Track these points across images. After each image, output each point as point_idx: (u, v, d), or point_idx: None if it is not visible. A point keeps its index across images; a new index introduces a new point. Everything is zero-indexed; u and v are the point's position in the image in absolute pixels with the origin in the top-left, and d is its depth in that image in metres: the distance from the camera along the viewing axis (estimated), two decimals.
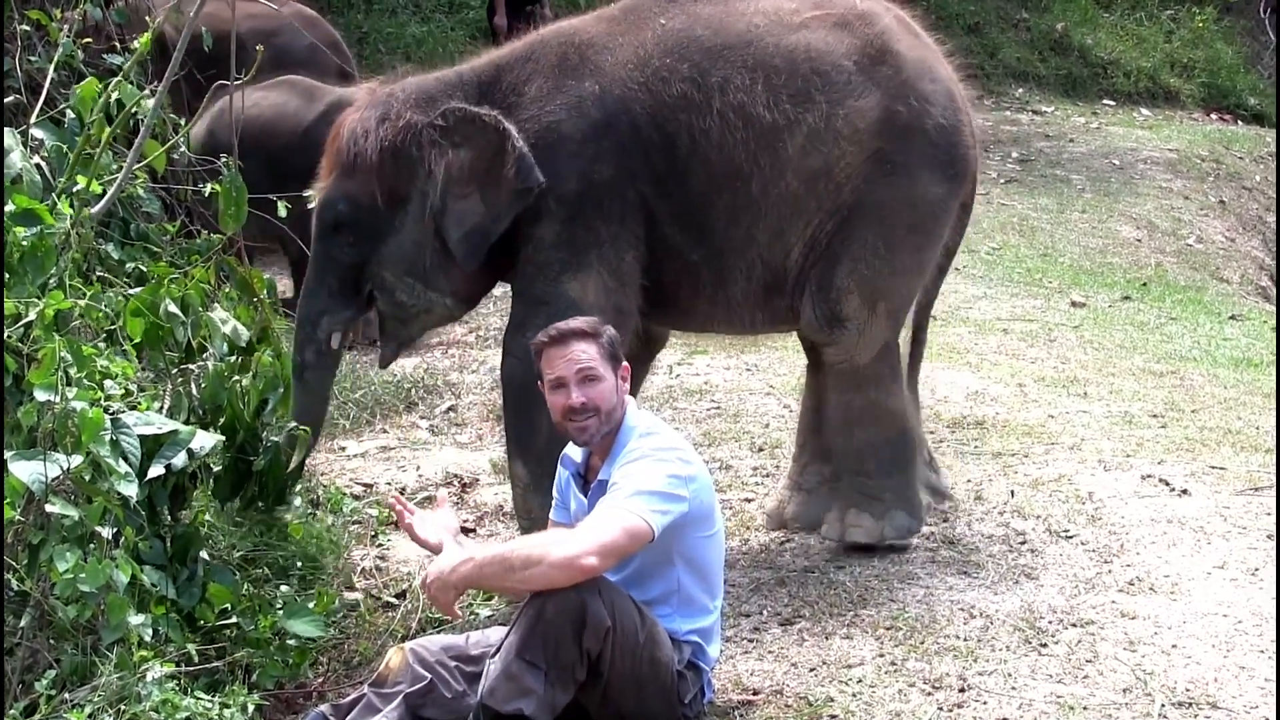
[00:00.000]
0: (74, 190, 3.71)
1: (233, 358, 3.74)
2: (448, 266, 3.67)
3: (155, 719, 2.93)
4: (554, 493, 3.23)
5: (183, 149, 4.35)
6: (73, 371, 3.20)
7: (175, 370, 3.69)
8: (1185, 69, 13.99)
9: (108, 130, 3.84)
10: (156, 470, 3.29)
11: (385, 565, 4.14)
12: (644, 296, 3.71)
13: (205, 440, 3.39)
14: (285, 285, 6.56)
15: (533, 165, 3.56)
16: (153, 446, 3.29)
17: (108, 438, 3.12)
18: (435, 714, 2.92)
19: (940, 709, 2.95)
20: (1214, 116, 13.49)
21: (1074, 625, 3.30)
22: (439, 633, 3.49)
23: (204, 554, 3.48)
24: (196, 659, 3.23)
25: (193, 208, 4.86)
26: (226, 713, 3.03)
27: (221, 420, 3.64)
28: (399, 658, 2.97)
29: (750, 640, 3.37)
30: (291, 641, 3.47)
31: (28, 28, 4.42)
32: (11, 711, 3.00)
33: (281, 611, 3.49)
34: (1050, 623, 3.32)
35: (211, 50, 4.57)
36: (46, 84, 4.14)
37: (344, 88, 6.37)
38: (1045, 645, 3.21)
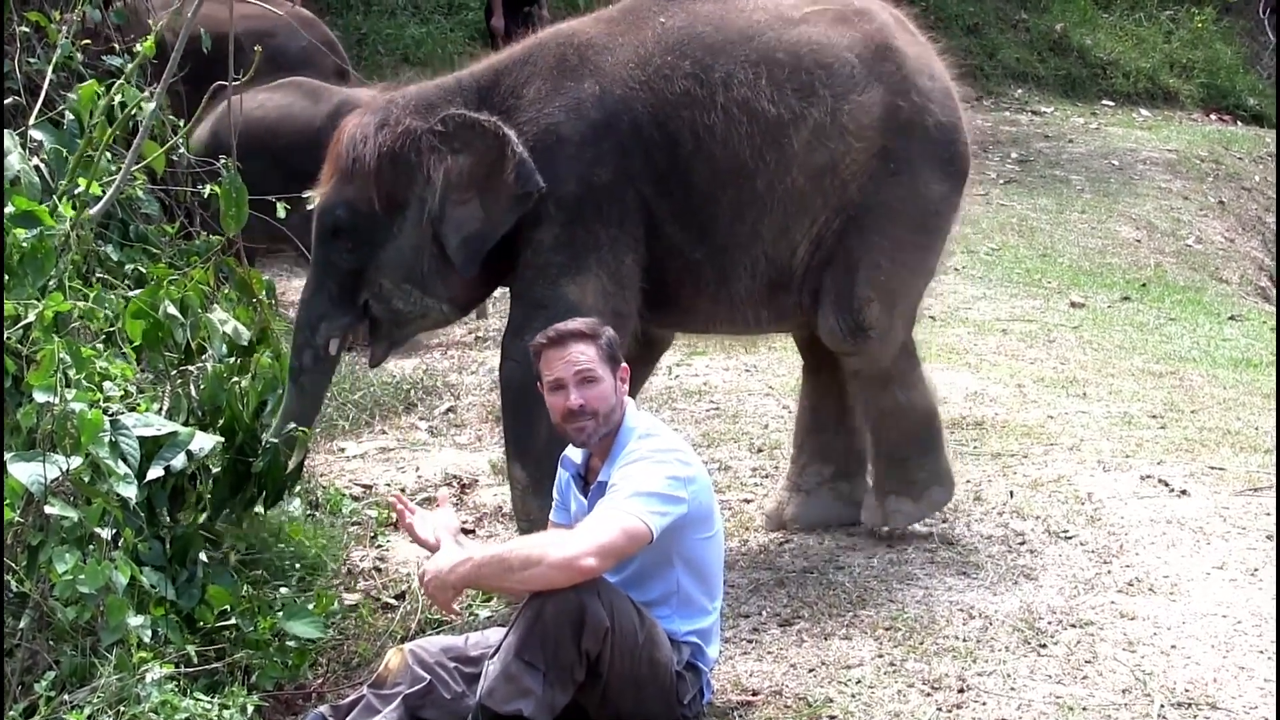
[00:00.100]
0: (75, 193, 3.71)
1: (232, 359, 3.74)
2: (446, 272, 3.66)
3: None
4: (554, 494, 3.23)
5: (181, 150, 4.35)
6: (72, 373, 3.20)
7: (174, 372, 3.69)
8: (1184, 69, 14.00)
9: (109, 132, 3.84)
10: (156, 472, 3.29)
11: (385, 566, 4.14)
12: (644, 298, 3.71)
13: (204, 442, 3.39)
14: (285, 286, 6.57)
15: (533, 170, 3.56)
16: (152, 448, 3.29)
17: (107, 439, 3.12)
18: (434, 715, 2.92)
19: (939, 710, 2.95)
20: (1213, 117, 13.49)
21: (1073, 626, 3.31)
22: (438, 634, 3.49)
23: (203, 555, 3.48)
24: (196, 660, 3.23)
25: (193, 209, 4.86)
26: (226, 714, 3.03)
27: (221, 422, 3.64)
28: (398, 659, 2.97)
29: (749, 641, 3.37)
30: (291, 643, 3.47)
31: (27, 29, 4.42)
32: (11, 713, 3.00)
33: (281, 613, 3.49)
34: (1049, 623, 3.33)
35: (209, 51, 4.56)
36: (45, 85, 4.14)
37: (349, 88, 6.38)
38: (1044, 646, 3.21)
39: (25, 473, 3.01)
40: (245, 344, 3.76)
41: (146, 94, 4.02)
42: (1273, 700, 2.91)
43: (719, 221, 3.66)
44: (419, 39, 11.33)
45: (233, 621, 3.41)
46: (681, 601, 3.00)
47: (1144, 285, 8.42)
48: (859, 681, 3.09)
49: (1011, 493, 4.21)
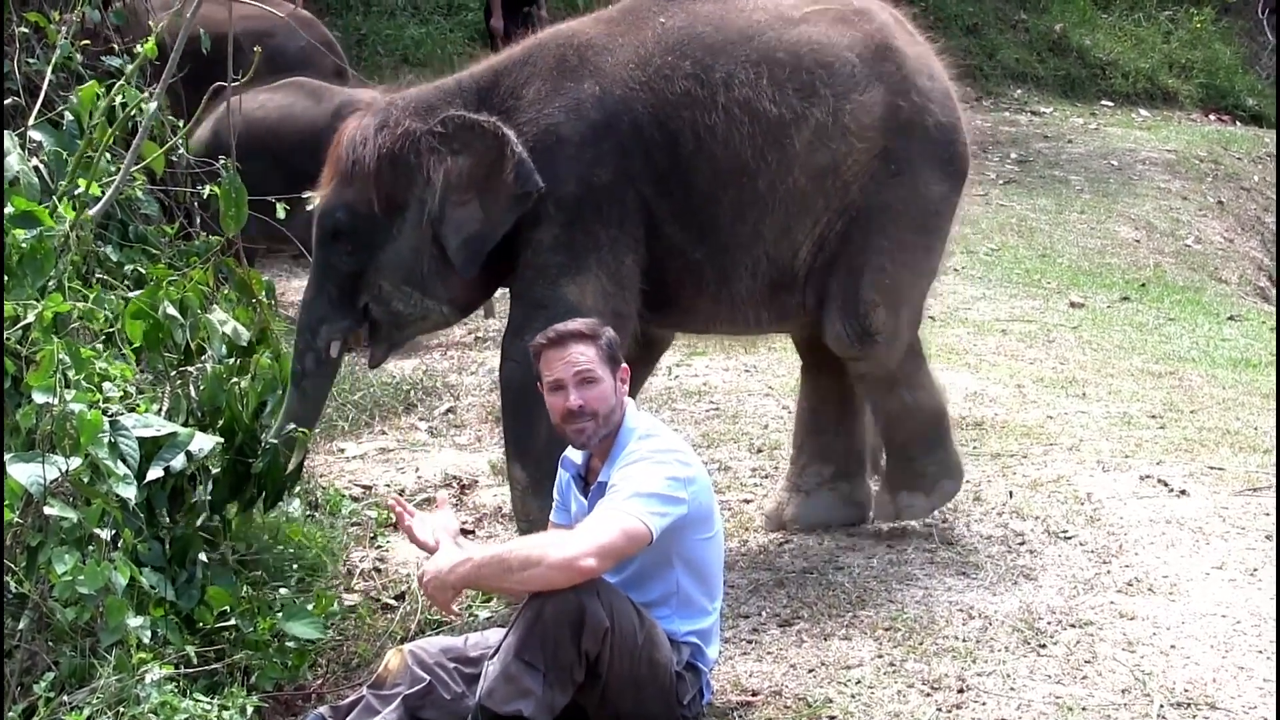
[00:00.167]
0: (74, 193, 3.71)
1: (231, 360, 3.74)
2: (445, 274, 3.66)
3: None
4: (554, 495, 3.23)
5: (181, 151, 4.34)
6: (71, 374, 3.20)
7: (174, 372, 3.68)
8: (1183, 70, 13.99)
9: (108, 133, 3.84)
10: (155, 472, 3.29)
11: (384, 567, 4.14)
12: (644, 299, 3.71)
13: (204, 442, 3.39)
14: (285, 287, 6.57)
15: (532, 170, 3.55)
16: (151, 448, 3.29)
17: (106, 440, 3.12)
18: (434, 715, 2.92)
19: (939, 710, 2.95)
20: (1212, 117, 13.49)
21: (1073, 626, 3.31)
22: (438, 634, 3.49)
23: (203, 556, 3.48)
24: (195, 661, 3.23)
25: (193, 210, 4.86)
26: (225, 714, 3.03)
27: (220, 422, 3.64)
28: (398, 659, 2.97)
29: (749, 641, 3.37)
30: (290, 643, 3.47)
31: (26, 30, 4.42)
32: (10, 714, 3.00)
33: (280, 613, 3.49)
34: (1049, 623, 3.33)
35: (209, 52, 4.56)
36: (45, 86, 4.14)
37: (350, 88, 6.37)
38: (1044, 646, 3.21)
39: (25, 473, 3.01)
40: (245, 345, 3.76)
41: (146, 95, 4.02)
42: (1272, 700, 2.91)
43: (720, 222, 3.66)
44: (418, 40, 11.33)
45: (232, 622, 3.41)
46: (681, 602, 3.00)
47: (1143, 285, 8.42)
48: (859, 682, 3.09)
49: (1011, 493, 4.21)
